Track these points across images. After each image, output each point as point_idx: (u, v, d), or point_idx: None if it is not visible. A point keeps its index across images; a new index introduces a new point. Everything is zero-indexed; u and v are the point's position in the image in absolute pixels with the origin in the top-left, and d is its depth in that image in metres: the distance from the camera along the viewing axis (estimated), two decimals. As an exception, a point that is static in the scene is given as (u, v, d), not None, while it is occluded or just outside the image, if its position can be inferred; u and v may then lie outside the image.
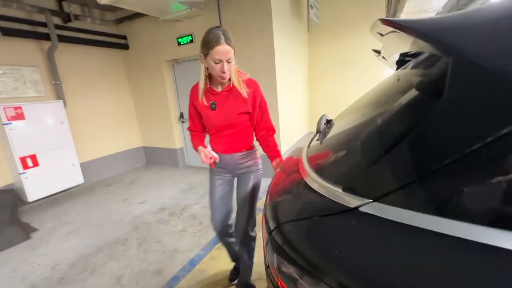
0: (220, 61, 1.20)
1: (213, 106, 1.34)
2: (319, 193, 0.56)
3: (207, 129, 1.49)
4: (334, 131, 0.84)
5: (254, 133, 1.49)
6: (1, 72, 3.25)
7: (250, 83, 1.37)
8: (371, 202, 0.46)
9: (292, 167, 0.79)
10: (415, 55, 1.05)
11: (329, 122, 1.04)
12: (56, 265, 2.17)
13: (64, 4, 3.76)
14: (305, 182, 0.64)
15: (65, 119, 3.64)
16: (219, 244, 2.23)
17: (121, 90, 4.79)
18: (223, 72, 1.23)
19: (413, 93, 0.66)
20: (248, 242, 1.54)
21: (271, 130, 1.47)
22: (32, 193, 3.28)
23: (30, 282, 1.99)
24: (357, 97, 1.29)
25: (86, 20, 3.98)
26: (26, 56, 3.48)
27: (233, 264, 1.83)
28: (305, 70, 4.71)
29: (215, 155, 1.38)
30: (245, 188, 1.47)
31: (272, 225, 0.59)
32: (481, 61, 0.37)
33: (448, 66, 0.40)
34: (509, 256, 0.33)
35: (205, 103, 1.35)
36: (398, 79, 0.94)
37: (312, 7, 3.90)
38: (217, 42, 1.16)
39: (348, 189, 0.51)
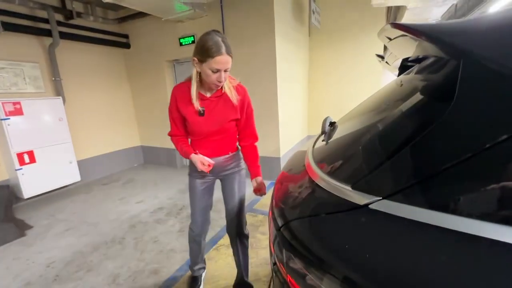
0: (218, 70, 1.16)
1: (202, 112, 1.28)
2: (328, 191, 0.58)
3: (189, 135, 1.43)
4: (339, 132, 0.86)
5: (238, 137, 1.49)
6: (1, 67, 3.22)
7: (240, 89, 1.36)
8: (381, 199, 0.47)
9: (298, 166, 0.80)
10: (417, 60, 1.07)
11: (332, 124, 1.06)
12: (51, 263, 2.15)
13: (67, 1, 3.76)
14: (313, 180, 0.65)
15: (64, 116, 3.62)
16: (217, 245, 2.23)
17: (121, 88, 4.78)
18: (220, 81, 1.21)
19: (418, 97, 0.68)
20: (243, 241, 1.57)
21: (255, 138, 1.48)
22: (28, 190, 3.24)
23: (25, 280, 1.96)
24: (357, 101, 1.31)
25: (88, 18, 3.98)
26: (26, 51, 3.46)
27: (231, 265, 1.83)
28: (305, 74, 4.75)
29: (211, 160, 1.35)
30: (233, 190, 1.49)
31: (280, 222, 0.60)
32: (492, 64, 0.39)
33: (459, 69, 0.42)
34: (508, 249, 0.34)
35: (200, 108, 1.27)
36: (401, 84, 0.96)
37: (313, 12, 3.95)
38: (218, 52, 1.11)
39: (357, 187, 0.52)
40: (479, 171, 0.39)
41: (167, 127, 1.47)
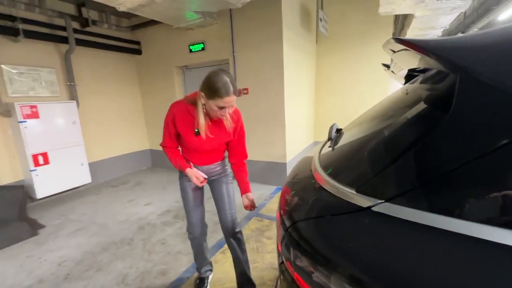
0: (224, 107, 1.26)
1: (197, 133, 1.38)
2: (333, 194, 0.61)
3: (181, 146, 1.53)
4: (345, 139, 0.89)
5: (228, 152, 1.59)
6: (20, 72, 3.38)
7: (234, 114, 1.45)
8: (383, 202, 0.50)
9: (305, 171, 0.84)
10: (423, 70, 1.10)
11: (339, 131, 1.09)
12: (62, 262, 2.21)
13: (83, 9, 3.93)
14: (319, 184, 0.68)
15: (77, 119, 3.75)
16: (223, 248, 2.26)
17: (132, 93, 4.92)
18: (223, 116, 1.32)
19: (421, 106, 0.72)
20: (238, 237, 1.64)
21: (245, 156, 1.59)
22: (41, 190, 3.35)
23: (37, 277, 2.03)
24: (363, 108, 1.35)
25: (103, 25, 4.14)
26: (44, 58, 3.62)
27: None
28: (312, 81, 4.80)
29: (204, 175, 1.48)
30: (222, 191, 1.60)
31: (288, 223, 0.64)
32: (486, 79, 0.43)
33: (456, 82, 0.45)
34: (505, 251, 0.37)
35: (197, 130, 1.36)
36: (407, 93, 0.99)
37: (321, 20, 4.01)
38: (226, 94, 1.21)
39: (361, 190, 0.55)
40: (475, 176, 0.43)
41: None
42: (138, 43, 4.75)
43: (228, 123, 1.41)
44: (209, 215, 1.75)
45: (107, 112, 4.48)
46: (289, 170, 3.71)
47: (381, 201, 0.51)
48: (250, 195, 1.54)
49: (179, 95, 4.58)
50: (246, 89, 3.73)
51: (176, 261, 2.14)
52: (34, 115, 3.27)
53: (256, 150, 3.87)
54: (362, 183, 0.56)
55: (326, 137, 1.18)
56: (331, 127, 1.06)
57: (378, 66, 3.55)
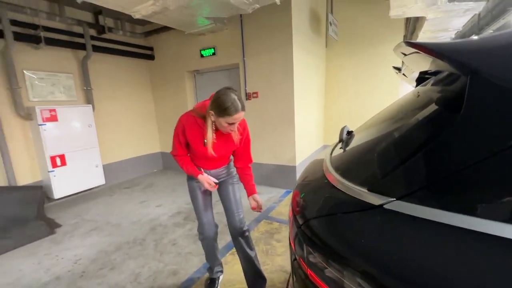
0: (234, 123, 1.35)
1: (206, 143, 1.45)
2: (345, 193, 0.63)
3: (190, 153, 1.60)
4: (356, 141, 0.91)
5: (233, 157, 1.67)
6: (41, 77, 3.55)
7: (240, 124, 1.52)
8: (394, 200, 0.52)
9: (316, 172, 0.86)
10: (434, 73, 1.11)
11: (350, 133, 1.11)
12: (78, 260, 2.29)
13: (100, 17, 4.10)
14: (331, 184, 0.70)
15: (93, 123, 3.88)
16: (233, 250, 2.27)
17: (144, 97, 5.06)
18: (233, 130, 1.40)
19: (433, 107, 0.73)
20: (246, 235, 1.67)
21: (250, 161, 1.66)
22: (59, 191, 3.48)
23: (54, 274, 2.11)
24: (374, 111, 1.35)
25: (118, 32, 4.30)
26: (63, 63, 3.79)
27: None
28: (321, 85, 4.80)
29: (215, 180, 1.57)
30: (228, 192, 1.67)
31: (300, 221, 0.66)
32: (496, 80, 0.44)
33: (466, 84, 0.47)
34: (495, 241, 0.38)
35: (205, 140, 1.44)
36: (418, 95, 1.00)
37: (331, 24, 4.03)
38: (236, 111, 1.29)
39: (373, 189, 0.57)
40: (483, 175, 0.44)
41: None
42: (151, 48, 4.90)
43: (236, 137, 1.50)
44: (216, 217, 1.79)
45: (120, 116, 4.62)
46: (298, 173, 3.71)
47: (392, 199, 0.52)
48: (257, 196, 1.60)
49: (190, 99, 4.68)
50: (256, 93, 3.78)
51: (186, 261, 2.18)
52: (53, 118, 3.41)
53: (265, 153, 3.89)
54: (373, 182, 0.58)
55: (336, 140, 1.19)
56: (342, 129, 1.08)
57: (389, 69, 3.52)
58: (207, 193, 1.69)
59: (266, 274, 1.77)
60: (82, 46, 3.83)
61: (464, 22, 3.20)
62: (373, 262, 0.48)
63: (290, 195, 0.99)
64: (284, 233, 2.54)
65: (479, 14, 3.03)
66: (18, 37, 3.16)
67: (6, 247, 2.51)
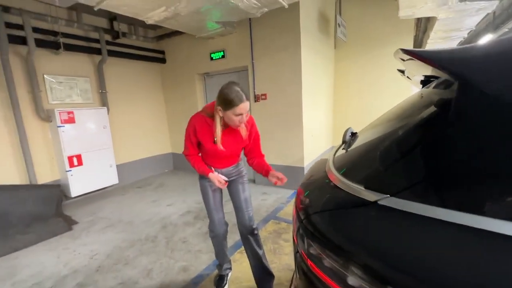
0: (241, 114, 1.38)
1: (216, 141, 1.51)
2: (344, 190, 0.67)
3: (201, 152, 1.67)
4: (358, 141, 0.94)
5: (245, 155, 1.72)
6: (60, 81, 3.73)
7: (249, 120, 1.57)
8: (388, 197, 0.56)
9: (320, 171, 0.90)
10: (436, 76, 1.13)
11: (354, 134, 1.14)
12: (94, 255, 2.40)
13: (115, 23, 4.27)
14: (332, 182, 0.74)
15: (108, 124, 4.04)
16: (241, 248, 2.33)
17: (156, 99, 5.21)
18: (241, 122, 1.44)
19: (432, 109, 0.76)
20: (255, 233, 1.72)
21: (261, 156, 1.70)
22: (75, 190, 3.64)
23: (72, 268, 2.22)
24: (382, 112, 1.37)
25: (131, 37, 4.46)
26: (80, 68, 3.97)
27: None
28: (330, 86, 4.80)
29: (226, 178, 1.62)
30: (238, 190, 1.71)
31: (302, 216, 0.71)
32: (481, 86, 0.47)
33: (455, 89, 0.50)
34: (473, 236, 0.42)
35: (215, 139, 1.49)
36: (422, 97, 1.03)
37: (339, 25, 4.04)
38: (240, 101, 1.34)
39: (369, 186, 0.61)
40: (470, 172, 0.47)
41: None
42: (162, 52, 5.04)
43: (244, 132, 1.55)
44: (226, 216, 1.84)
45: (133, 117, 4.78)
46: (306, 174, 3.72)
47: (386, 195, 0.56)
48: (274, 172, 1.54)
49: (200, 101, 4.78)
50: (265, 94, 3.83)
51: (196, 259, 2.25)
52: (71, 120, 3.58)
53: (274, 154, 3.93)
54: (370, 180, 0.62)
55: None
56: (346, 131, 1.11)
57: (397, 71, 3.50)
58: (218, 192, 1.75)
59: (273, 272, 1.81)
60: (98, 51, 4.00)
61: (477, 21, 3.14)
62: (366, 253, 0.52)
63: (296, 194, 1.05)
64: (292, 233, 2.57)
65: (494, 13, 2.97)
66: (39, 43, 3.34)
67: (30, 241, 2.66)
